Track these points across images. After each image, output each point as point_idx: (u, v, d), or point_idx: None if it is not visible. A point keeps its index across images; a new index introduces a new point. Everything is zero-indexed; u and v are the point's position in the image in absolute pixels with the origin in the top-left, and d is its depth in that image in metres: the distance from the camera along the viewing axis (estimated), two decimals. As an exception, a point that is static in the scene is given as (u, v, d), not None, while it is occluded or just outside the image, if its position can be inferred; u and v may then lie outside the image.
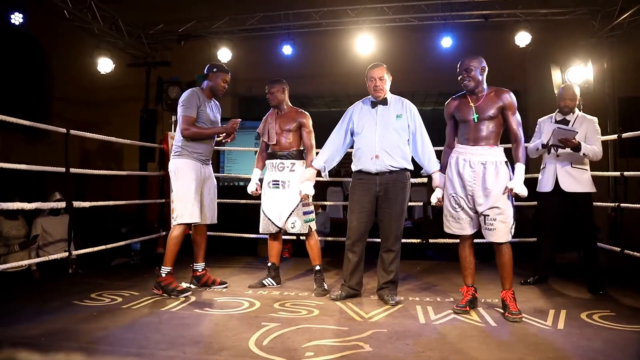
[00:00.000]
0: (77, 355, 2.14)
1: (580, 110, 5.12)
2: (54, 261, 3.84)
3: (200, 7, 6.96)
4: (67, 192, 3.98)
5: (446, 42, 5.87)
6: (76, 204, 3.82)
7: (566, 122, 3.56)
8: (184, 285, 3.42)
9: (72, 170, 3.81)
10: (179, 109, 3.36)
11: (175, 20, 6.58)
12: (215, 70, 3.49)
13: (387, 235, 3.15)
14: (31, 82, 8.38)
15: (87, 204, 3.93)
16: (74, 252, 3.89)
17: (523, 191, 2.73)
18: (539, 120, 3.77)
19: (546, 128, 3.58)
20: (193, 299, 3.21)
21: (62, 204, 3.80)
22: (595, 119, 3.61)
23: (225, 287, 3.57)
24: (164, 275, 3.28)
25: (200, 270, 3.60)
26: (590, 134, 3.52)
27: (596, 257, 3.53)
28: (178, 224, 3.34)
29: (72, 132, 3.81)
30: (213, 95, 3.53)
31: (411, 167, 3.20)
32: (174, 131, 5.15)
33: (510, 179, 2.80)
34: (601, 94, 5.78)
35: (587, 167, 3.58)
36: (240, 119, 3.46)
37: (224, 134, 3.53)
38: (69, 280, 3.81)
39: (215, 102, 3.59)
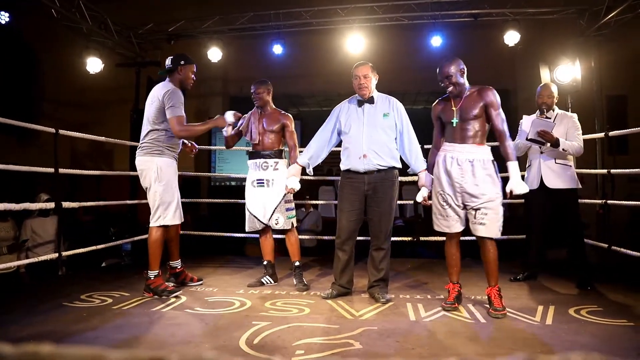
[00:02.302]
0: (66, 356, 2.13)
1: (568, 109, 5.22)
2: (43, 263, 3.81)
3: (190, 7, 6.94)
4: (56, 193, 3.95)
5: (436, 41, 5.91)
6: (65, 204, 3.79)
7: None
8: (171, 284, 3.41)
9: (61, 170, 3.79)
10: (171, 109, 3.21)
11: (165, 20, 6.55)
12: (183, 62, 3.36)
13: (377, 233, 3.16)
14: (20, 82, 8.31)
15: (76, 205, 3.90)
16: (64, 253, 3.87)
17: (524, 189, 2.77)
18: (521, 120, 3.81)
19: (524, 123, 3.60)
20: (184, 298, 3.21)
21: (51, 205, 3.76)
22: (575, 115, 3.66)
23: (201, 284, 3.62)
24: (152, 278, 3.26)
25: (178, 268, 3.61)
26: (570, 130, 3.56)
27: (584, 253, 3.57)
28: (157, 226, 3.28)
29: (61, 132, 3.78)
30: (181, 89, 3.39)
31: (399, 165, 3.21)
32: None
33: (497, 177, 2.84)
34: (589, 92, 5.84)
35: (571, 163, 3.62)
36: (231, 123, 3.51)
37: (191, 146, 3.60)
38: (59, 282, 3.79)
39: None
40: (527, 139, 3.46)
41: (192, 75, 3.44)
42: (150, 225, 3.31)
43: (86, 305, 3.02)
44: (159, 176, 3.26)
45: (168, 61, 3.40)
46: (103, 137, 4.48)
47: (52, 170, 3.69)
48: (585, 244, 3.68)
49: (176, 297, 3.22)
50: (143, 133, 3.35)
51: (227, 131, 3.63)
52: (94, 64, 6.26)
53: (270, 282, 3.66)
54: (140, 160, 3.32)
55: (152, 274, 3.27)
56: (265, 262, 3.72)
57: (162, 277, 3.32)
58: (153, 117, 3.30)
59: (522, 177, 3.80)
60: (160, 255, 3.31)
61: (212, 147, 8.26)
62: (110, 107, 8.29)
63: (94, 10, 5.81)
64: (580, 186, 3.63)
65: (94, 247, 4.10)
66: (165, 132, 3.29)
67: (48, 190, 4.99)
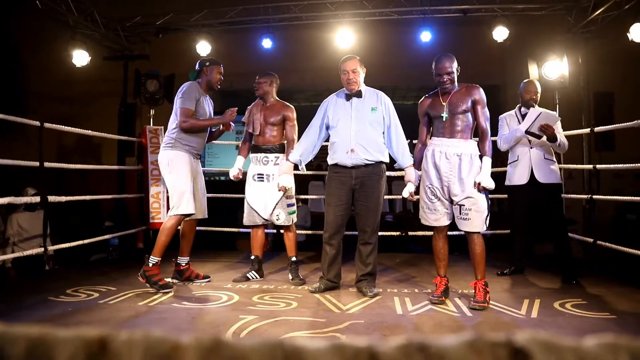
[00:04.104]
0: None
1: (556, 105, 5.26)
2: (30, 258, 3.77)
3: (178, 0, 6.86)
4: (41, 187, 3.91)
5: (425, 36, 5.91)
6: (51, 198, 3.75)
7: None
8: (167, 280, 3.38)
9: (47, 164, 3.73)
10: (178, 101, 3.32)
11: (153, 12, 6.47)
12: (208, 64, 3.50)
13: (364, 228, 3.17)
14: (4, 75, 8.18)
15: (62, 199, 3.86)
16: (50, 248, 3.83)
17: (491, 184, 2.82)
18: (501, 116, 3.84)
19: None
20: (171, 293, 3.19)
21: (37, 199, 3.72)
22: (556, 113, 3.71)
23: (208, 281, 3.57)
24: (151, 265, 3.22)
25: (183, 265, 3.57)
26: (557, 126, 3.59)
27: (568, 247, 3.62)
28: (174, 215, 3.30)
29: (47, 125, 3.72)
30: (209, 89, 3.52)
31: (387, 159, 3.22)
32: (153, 125, 5.10)
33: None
34: (576, 89, 5.87)
35: (555, 159, 3.70)
36: (236, 108, 3.45)
37: (222, 125, 3.55)
38: (45, 277, 3.76)
39: (209, 98, 3.58)
40: (526, 132, 3.45)
41: (219, 75, 3.52)
42: (168, 214, 3.38)
43: (72, 299, 3.00)
44: (169, 166, 3.32)
45: (196, 65, 3.53)
46: (89, 131, 4.42)
47: (37, 164, 3.64)
48: (569, 239, 3.73)
49: (164, 292, 3.19)
50: None
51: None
52: (80, 57, 6.16)
53: (256, 278, 3.64)
54: (159, 155, 3.43)
55: (152, 260, 3.23)
56: (252, 257, 3.70)
57: (159, 267, 3.28)
58: (173, 112, 3.40)
59: (503, 173, 3.88)
60: (166, 243, 3.28)
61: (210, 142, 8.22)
62: (98, 100, 8.20)
63: (80, 1, 5.72)
64: (562, 181, 3.70)
65: (80, 242, 4.07)
66: (177, 125, 3.36)
67: (35, 184, 4.93)
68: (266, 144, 3.59)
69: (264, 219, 3.60)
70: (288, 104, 3.67)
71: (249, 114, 3.67)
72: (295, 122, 3.63)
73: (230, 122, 3.47)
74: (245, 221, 3.68)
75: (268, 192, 3.55)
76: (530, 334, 0.30)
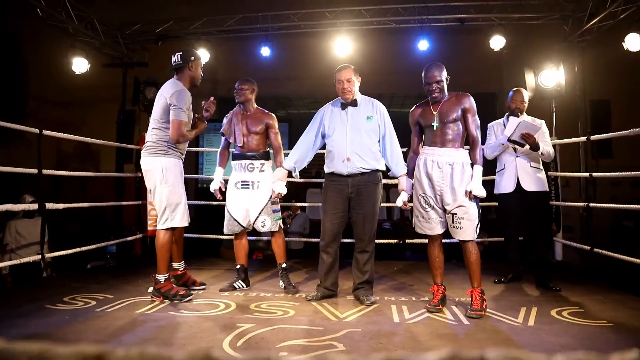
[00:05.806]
0: None
1: (553, 113, 5.29)
2: (27, 265, 3.76)
3: (177, 8, 6.91)
4: (40, 194, 3.91)
5: (423, 45, 5.95)
6: (49, 205, 3.75)
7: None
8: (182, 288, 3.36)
9: (45, 171, 3.74)
10: (174, 110, 3.07)
11: (152, 20, 6.51)
12: (193, 58, 3.25)
13: (361, 236, 3.18)
14: (4, 81, 8.20)
15: (60, 206, 3.86)
16: (47, 255, 3.83)
17: (482, 192, 2.84)
18: (490, 124, 3.87)
19: (510, 124, 3.61)
20: (192, 296, 3.21)
21: (35, 206, 3.72)
22: (544, 122, 3.74)
23: (204, 289, 3.55)
24: (162, 282, 3.17)
25: (180, 270, 3.54)
26: (540, 136, 3.62)
27: (546, 253, 3.67)
28: (165, 229, 3.18)
29: (45, 132, 3.73)
30: (192, 87, 3.28)
31: (383, 167, 3.24)
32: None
33: None
34: (573, 97, 5.91)
35: (542, 167, 3.74)
36: (211, 99, 3.39)
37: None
38: (43, 284, 3.75)
39: None
40: (508, 140, 3.51)
41: (201, 71, 3.33)
42: (158, 228, 3.22)
43: (69, 307, 2.99)
44: (164, 177, 3.14)
45: (177, 57, 3.23)
46: (88, 138, 4.43)
47: (35, 171, 3.65)
48: (545, 245, 3.81)
49: (188, 301, 3.14)
50: (148, 132, 3.26)
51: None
52: (80, 64, 6.19)
53: (243, 287, 3.60)
54: (145, 161, 3.20)
55: (161, 277, 3.17)
56: (238, 266, 3.66)
57: (170, 281, 3.25)
58: (158, 116, 3.17)
59: (493, 181, 3.91)
60: (169, 258, 3.23)
61: (199, 149, 8.24)
62: (97, 107, 8.22)
63: (80, 10, 5.75)
64: (548, 189, 3.75)
65: (77, 249, 4.06)
66: (168, 134, 3.16)
67: (33, 191, 4.93)
68: (250, 151, 3.58)
69: (242, 226, 3.58)
70: (268, 112, 3.66)
71: (229, 124, 3.65)
72: (277, 129, 3.64)
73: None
74: (226, 230, 3.65)
75: (253, 199, 3.53)
76: (502, 351, 0.31)
